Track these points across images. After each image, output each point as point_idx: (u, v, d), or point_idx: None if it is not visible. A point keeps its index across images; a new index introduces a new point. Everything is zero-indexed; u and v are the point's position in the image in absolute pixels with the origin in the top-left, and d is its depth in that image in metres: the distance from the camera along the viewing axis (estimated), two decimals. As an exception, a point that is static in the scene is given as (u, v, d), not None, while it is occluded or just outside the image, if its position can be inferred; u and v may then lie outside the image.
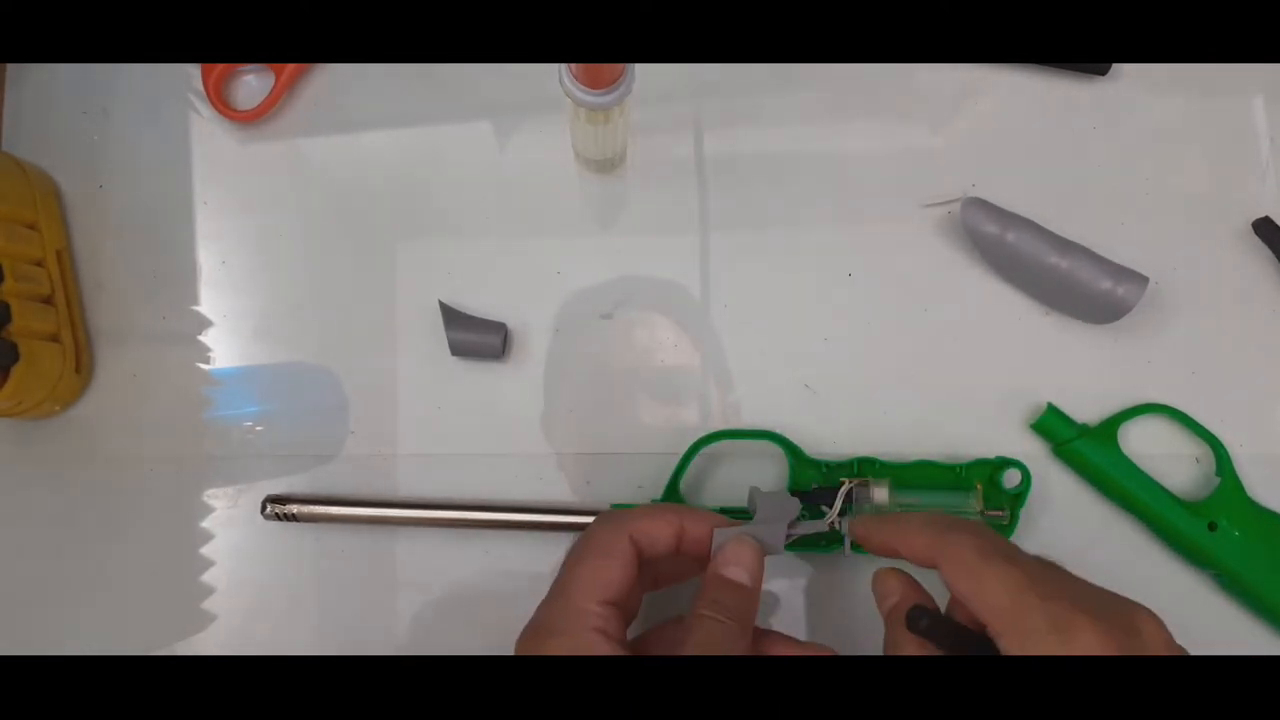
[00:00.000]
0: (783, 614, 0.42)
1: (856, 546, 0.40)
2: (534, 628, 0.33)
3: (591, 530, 0.35)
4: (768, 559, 0.35)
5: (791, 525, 0.36)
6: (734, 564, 0.33)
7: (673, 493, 0.41)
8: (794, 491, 0.41)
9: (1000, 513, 0.40)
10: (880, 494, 0.39)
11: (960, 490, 0.40)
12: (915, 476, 0.41)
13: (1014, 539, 0.41)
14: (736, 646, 0.32)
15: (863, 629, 0.42)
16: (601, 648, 0.31)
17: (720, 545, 0.34)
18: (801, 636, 0.42)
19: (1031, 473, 0.40)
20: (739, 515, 0.41)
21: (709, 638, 0.31)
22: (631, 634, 0.36)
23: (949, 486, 0.40)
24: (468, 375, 0.43)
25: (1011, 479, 0.41)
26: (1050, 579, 0.30)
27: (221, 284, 0.45)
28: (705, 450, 0.41)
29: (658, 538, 0.34)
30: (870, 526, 0.34)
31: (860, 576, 0.42)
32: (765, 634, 0.36)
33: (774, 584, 0.42)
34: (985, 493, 0.40)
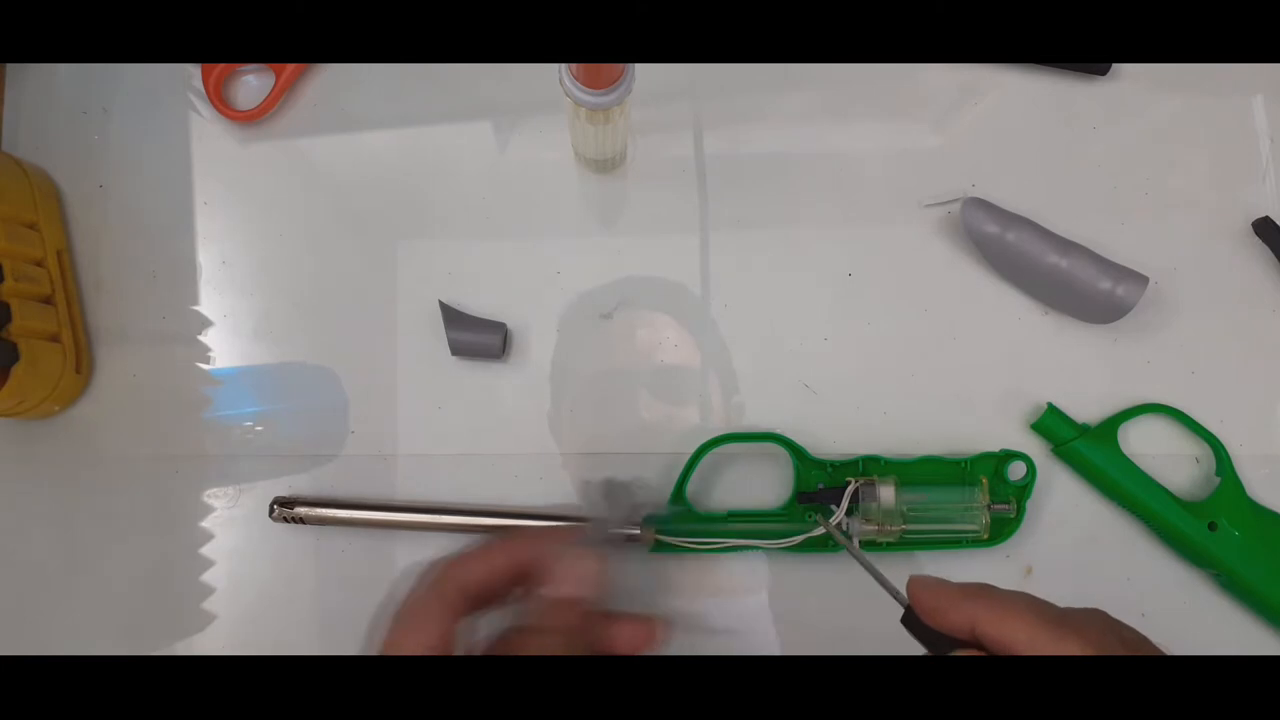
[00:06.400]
0: (787, 613, 0.42)
1: (865, 545, 0.40)
2: None
3: (413, 593, 0.33)
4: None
5: (630, 515, 0.36)
6: (566, 581, 0.33)
7: (679, 498, 0.41)
8: (800, 492, 0.41)
9: (1006, 506, 0.40)
10: (886, 493, 0.39)
11: (965, 485, 0.40)
12: (920, 473, 0.41)
13: (1018, 535, 0.41)
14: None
15: (867, 627, 0.41)
16: None
17: (556, 562, 0.33)
18: (808, 636, 0.42)
19: (1036, 464, 0.41)
20: (745, 518, 0.41)
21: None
22: None
23: (954, 482, 0.40)
24: (468, 375, 0.43)
25: (1016, 471, 0.41)
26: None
27: (222, 284, 0.45)
28: (709, 453, 0.41)
29: (491, 582, 0.33)
30: (941, 598, 0.29)
31: (866, 577, 0.42)
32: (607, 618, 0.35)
33: (782, 583, 0.42)
34: (990, 486, 0.40)
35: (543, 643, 0.31)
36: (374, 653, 0.32)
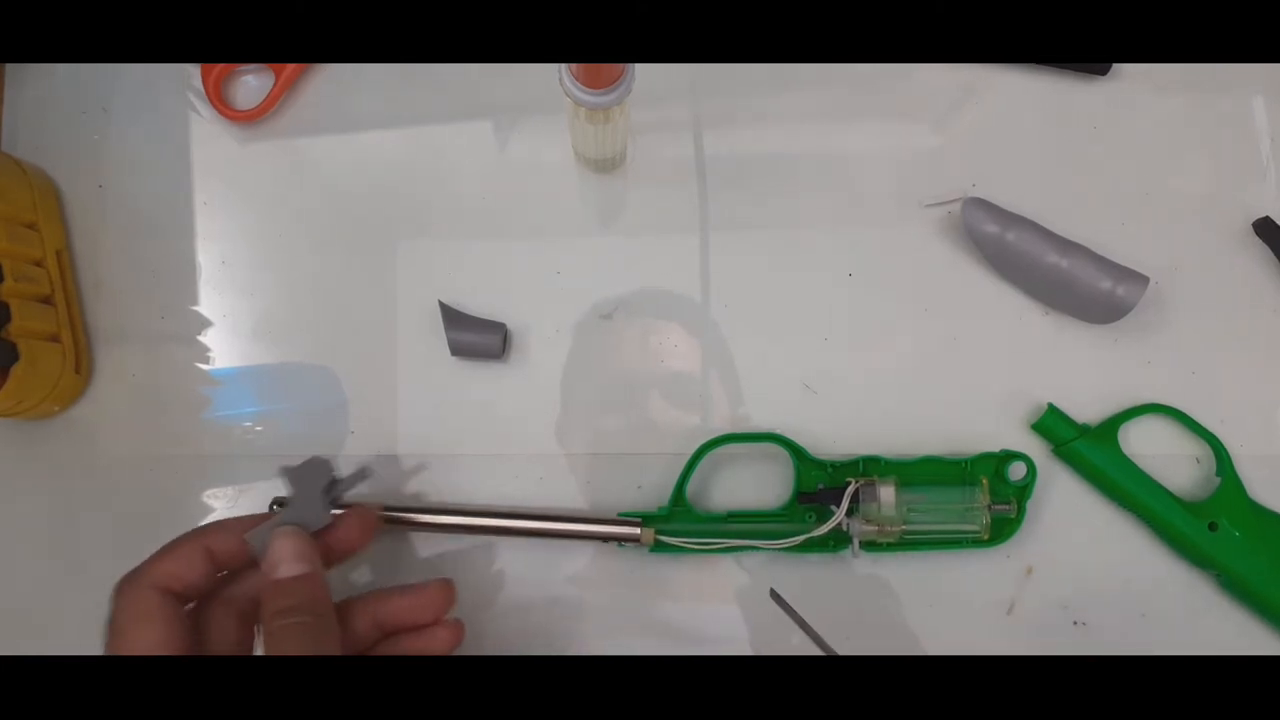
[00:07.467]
0: (786, 614, 0.42)
1: (865, 546, 0.40)
2: None
3: (114, 602, 0.32)
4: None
5: (330, 489, 0.35)
6: (284, 561, 0.32)
7: (679, 499, 0.41)
8: (800, 493, 0.41)
9: (1006, 506, 0.40)
10: (886, 493, 0.39)
11: (966, 485, 0.40)
12: (920, 473, 0.41)
13: (1018, 535, 0.41)
14: (323, 641, 0.31)
15: (870, 629, 0.42)
16: None
17: (262, 547, 0.33)
18: (807, 637, 0.42)
19: (1036, 465, 0.40)
20: (745, 518, 0.41)
21: (293, 647, 0.30)
22: None
23: (954, 482, 0.40)
24: (467, 375, 0.43)
25: (1017, 472, 0.41)
26: None
27: (221, 284, 0.45)
28: (709, 454, 0.41)
29: (187, 576, 0.32)
30: None
31: (867, 576, 0.42)
32: (382, 594, 0.36)
33: (783, 583, 0.42)
34: (991, 486, 0.40)
35: (288, 625, 0.31)
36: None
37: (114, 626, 0.32)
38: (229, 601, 0.34)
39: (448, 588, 0.36)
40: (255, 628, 0.35)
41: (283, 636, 0.31)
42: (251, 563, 0.34)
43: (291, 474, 0.36)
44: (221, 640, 0.33)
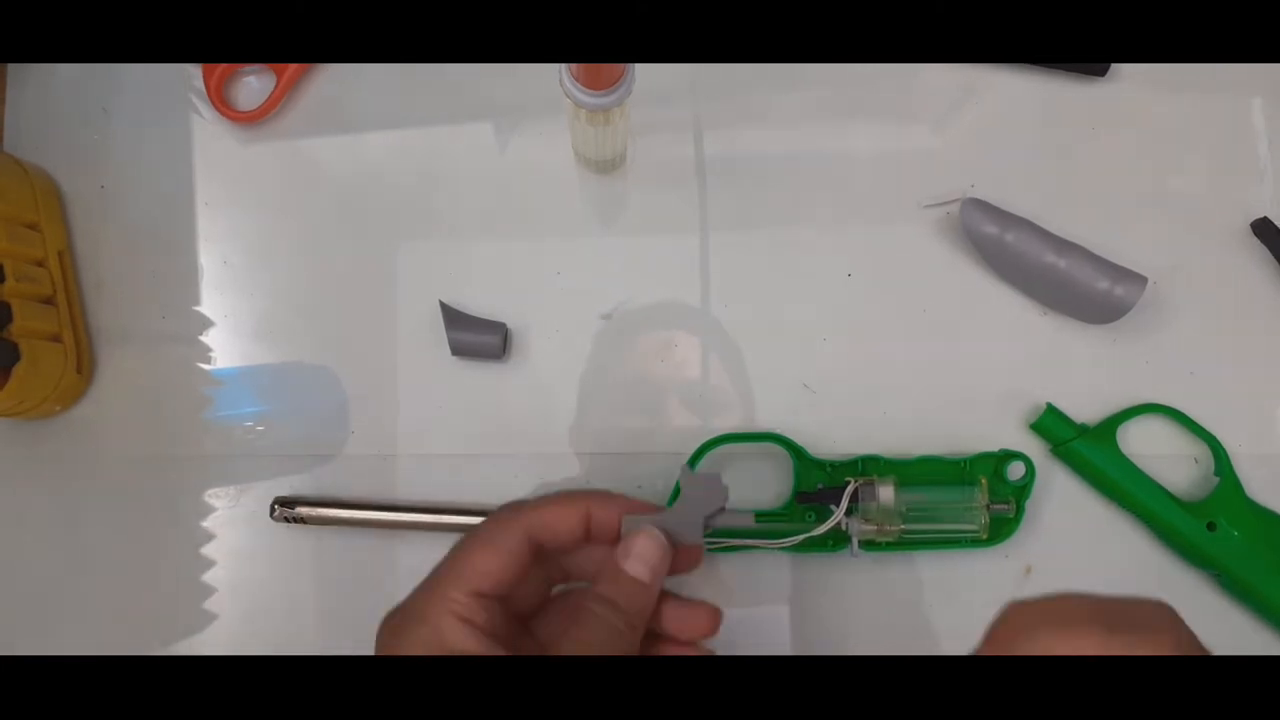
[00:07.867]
0: (789, 614, 0.42)
1: (864, 545, 0.40)
2: (398, 612, 0.31)
3: (485, 519, 0.33)
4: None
5: (711, 516, 0.34)
6: (635, 557, 0.32)
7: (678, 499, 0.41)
8: (800, 492, 0.41)
9: (1005, 506, 0.40)
10: (886, 493, 0.39)
11: (965, 485, 0.40)
12: (919, 473, 0.41)
13: (1017, 535, 0.41)
14: (621, 645, 0.30)
15: (867, 629, 0.42)
16: (461, 638, 0.29)
17: (626, 535, 0.32)
18: (806, 637, 0.42)
19: (1035, 464, 0.41)
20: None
21: (593, 636, 0.30)
22: None
23: (953, 482, 0.41)
24: (468, 375, 0.44)
25: (1015, 471, 0.41)
26: None
27: (223, 284, 0.45)
28: (709, 453, 0.41)
29: (559, 528, 0.32)
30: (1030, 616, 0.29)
31: (866, 577, 0.42)
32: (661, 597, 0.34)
33: (781, 582, 0.42)
34: (990, 486, 0.40)
35: (602, 616, 0.30)
36: (436, 574, 0.31)
37: (466, 536, 0.32)
38: (554, 563, 0.34)
39: (717, 615, 0.34)
40: (552, 589, 0.35)
41: (590, 621, 0.30)
42: (591, 538, 0.33)
43: (689, 481, 0.34)
44: (528, 592, 0.33)
